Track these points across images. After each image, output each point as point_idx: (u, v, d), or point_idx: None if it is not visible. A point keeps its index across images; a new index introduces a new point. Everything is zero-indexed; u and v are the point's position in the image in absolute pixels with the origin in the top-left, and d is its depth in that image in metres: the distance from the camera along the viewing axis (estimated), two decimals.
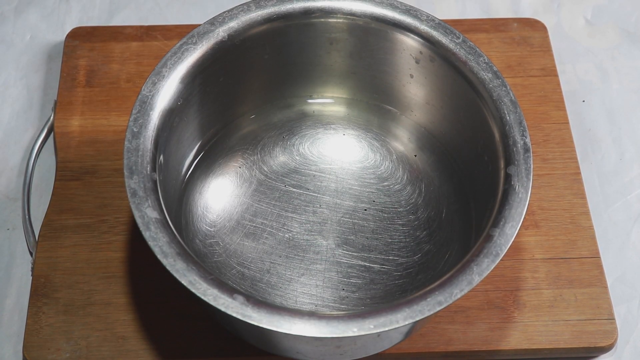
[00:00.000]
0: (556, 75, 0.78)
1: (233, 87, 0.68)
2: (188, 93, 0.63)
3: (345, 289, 0.65)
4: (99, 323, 0.65)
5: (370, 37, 0.67)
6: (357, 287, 0.65)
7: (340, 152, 0.71)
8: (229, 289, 0.54)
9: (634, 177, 0.75)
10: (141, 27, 0.79)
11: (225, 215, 0.68)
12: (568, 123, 0.75)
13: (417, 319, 0.54)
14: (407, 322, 0.53)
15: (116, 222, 0.69)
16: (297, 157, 0.71)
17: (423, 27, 0.65)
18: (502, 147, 0.60)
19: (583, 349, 0.65)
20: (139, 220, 0.56)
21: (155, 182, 0.58)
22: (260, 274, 0.65)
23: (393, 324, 0.53)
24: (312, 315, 0.54)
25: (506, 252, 0.56)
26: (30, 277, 0.67)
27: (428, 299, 0.54)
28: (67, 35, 0.79)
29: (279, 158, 0.71)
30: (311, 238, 0.67)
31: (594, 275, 0.68)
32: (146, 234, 0.55)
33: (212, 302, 0.53)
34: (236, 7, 0.65)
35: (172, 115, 0.62)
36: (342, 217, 0.68)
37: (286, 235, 0.67)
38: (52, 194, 0.70)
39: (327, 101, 0.73)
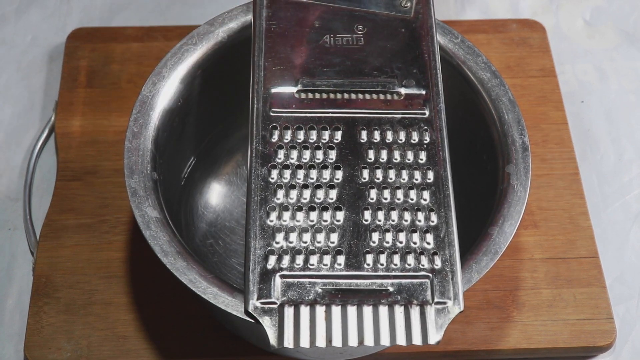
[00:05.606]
0: (555, 76, 0.78)
1: (233, 87, 0.68)
2: (188, 93, 0.63)
3: None
4: (99, 323, 0.65)
5: None
6: None
7: None
8: (229, 288, 0.54)
9: (633, 178, 0.75)
10: (142, 28, 0.79)
11: (225, 215, 0.68)
12: (567, 123, 0.75)
13: None
14: None
15: (117, 222, 0.69)
16: None
17: None
18: (500, 145, 0.60)
19: (582, 348, 0.65)
20: (139, 220, 0.56)
21: (155, 181, 0.58)
22: None
23: None
24: None
25: (505, 252, 0.56)
26: (32, 277, 0.68)
27: None
28: (68, 36, 0.79)
29: None
30: None
31: (593, 275, 0.68)
32: (146, 233, 0.55)
33: (212, 301, 0.53)
34: (236, 7, 0.65)
35: (172, 115, 0.62)
36: None
37: None
38: (53, 194, 0.70)
39: None
